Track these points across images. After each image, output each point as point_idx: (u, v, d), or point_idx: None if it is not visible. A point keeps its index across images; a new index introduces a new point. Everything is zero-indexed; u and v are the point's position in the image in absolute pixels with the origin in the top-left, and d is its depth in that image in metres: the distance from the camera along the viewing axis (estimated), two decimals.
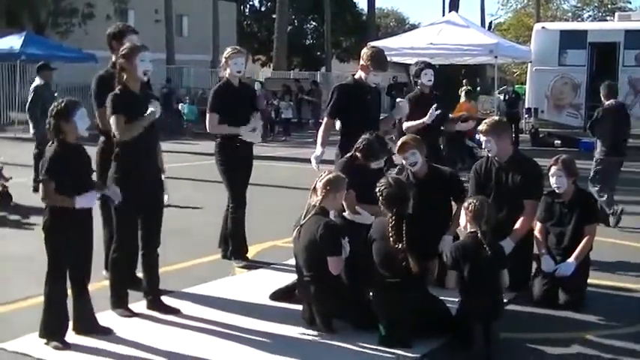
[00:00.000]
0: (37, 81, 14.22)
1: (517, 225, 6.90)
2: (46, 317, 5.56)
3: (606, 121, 10.67)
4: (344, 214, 6.54)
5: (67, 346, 5.47)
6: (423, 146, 7.12)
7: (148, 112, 6.05)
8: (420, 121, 8.57)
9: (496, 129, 7.11)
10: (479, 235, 5.78)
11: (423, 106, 8.62)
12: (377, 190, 5.93)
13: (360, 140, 6.81)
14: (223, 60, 7.91)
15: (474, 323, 5.54)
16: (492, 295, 5.72)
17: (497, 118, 7.24)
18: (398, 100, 8.28)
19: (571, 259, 6.71)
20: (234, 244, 8.03)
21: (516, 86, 30.58)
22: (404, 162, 7.12)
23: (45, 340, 5.51)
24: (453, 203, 7.12)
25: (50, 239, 5.54)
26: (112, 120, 6.09)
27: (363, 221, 6.45)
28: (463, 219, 5.94)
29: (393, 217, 5.77)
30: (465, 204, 5.97)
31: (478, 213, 5.83)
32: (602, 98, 11.05)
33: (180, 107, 28.54)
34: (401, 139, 7.24)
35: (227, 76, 7.91)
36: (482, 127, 7.15)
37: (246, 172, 8.10)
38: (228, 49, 8.00)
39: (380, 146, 6.83)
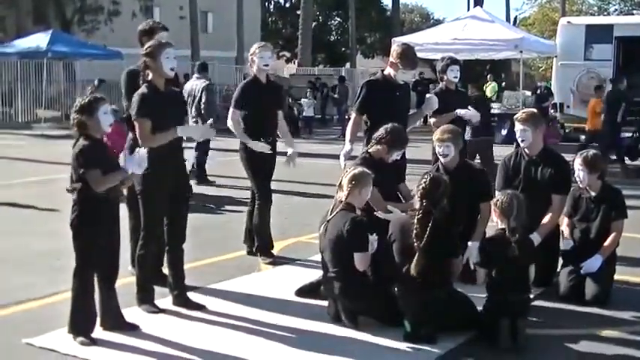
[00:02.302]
0: (203, 80, 14.14)
1: (545, 220, 6.88)
2: (73, 313, 5.61)
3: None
4: (375, 213, 6.52)
5: (93, 342, 5.50)
6: (460, 141, 7.16)
7: (183, 130, 6.14)
8: (453, 113, 8.56)
9: (534, 119, 7.08)
10: (507, 231, 5.77)
11: (447, 101, 8.59)
12: (418, 183, 5.92)
13: (380, 131, 6.84)
14: (250, 56, 7.94)
15: (501, 319, 5.53)
16: (520, 291, 5.71)
17: (534, 110, 7.22)
18: (428, 95, 8.25)
19: (597, 255, 6.67)
20: (260, 240, 8.05)
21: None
22: (437, 150, 7.14)
23: (72, 336, 5.55)
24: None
25: (78, 235, 5.57)
26: (137, 124, 6.13)
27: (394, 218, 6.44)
28: (493, 215, 5.93)
29: (421, 212, 5.76)
30: (494, 200, 5.95)
31: (506, 209, 5.81)
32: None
33: None
34: (441, 128, 7.26)
35: (254, 72, 7.93)
36: (520, 115, 7.11)
37: (271, 168, 8.11)
38: (255, 45, 8.04)
39: (404, 135, 6.91)
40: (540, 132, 7.15)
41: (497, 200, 5.91)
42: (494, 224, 6.08)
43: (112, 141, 11.88)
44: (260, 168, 7.95)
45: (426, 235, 5.64)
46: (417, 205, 5.83)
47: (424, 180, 5.87)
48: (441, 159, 7.14)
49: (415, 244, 5.66)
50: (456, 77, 8.92)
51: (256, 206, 8.04)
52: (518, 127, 7.10)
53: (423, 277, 5.64)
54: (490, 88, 31.08)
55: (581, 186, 6.90)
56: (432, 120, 8.61)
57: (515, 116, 7.21)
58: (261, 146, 7.77)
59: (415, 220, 5.73)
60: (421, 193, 5.82)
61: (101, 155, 5.53)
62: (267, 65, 7.86)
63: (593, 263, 6.65)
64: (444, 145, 7.06)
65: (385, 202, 6.63)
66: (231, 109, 7.98)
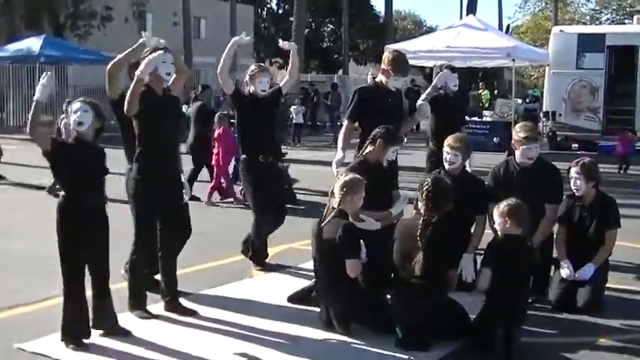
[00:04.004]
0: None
1: (538, 229, 6.89)
2: (63, 318, 5.59)
3: None
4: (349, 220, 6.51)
5: (85, 348, 5.49)
6: (468, 151, 7.22)
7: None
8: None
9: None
10: (525, 238, 5.77)
11: (443, 106, 8.68)
12: (423, 185, 5.92)
13: (374, 132, 6.86)
14: (248, 77, 7.87)
15: (496, 326, 5.53)
16: (520, 299, 5.71)
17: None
18: (419, 102, 8.27)
19: (590, 264, 6.68)
20: (254, 250, 8.03)
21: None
22: (445, 156, 7.19)
23: (64, 341, 5.54)
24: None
25: (59, 239, 5.56)
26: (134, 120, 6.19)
27: (368, 227, 6.41)
28: (499, 221, 5.86)
29: (425, 215, 5.77)
30: (501, 208, 5.86)
31: (520, 215, 5.77)
32: None
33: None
34: (454, 136, 7.33)
35: (252, 90, 7.88)
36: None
37: (273, 186, 8.01)
38: (253, 67, 7.99)
39: (396, 131, 6.94)
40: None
41: (509, 208, 5.81)
42: (491, 232, 6.08)
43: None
44: (258, 186, 7.83)
45: (429, 235, 5.66)
46: (422, 207, 5.83)
47: (427, 182, 5.88)
48: (447, 165, 7.18)
49: (418, 245, 5.67)
50: (455, 86, 8.99)
51: (254, 222, 7.97)
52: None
53: (423, 280, 5.64)
54: (483, 96, 31.17)
55: (576, 194, 6.90)
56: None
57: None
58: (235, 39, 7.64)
59: (420, 222, 5.73)
60: (426, 196, 5.83)
61: (67, 163, 5.52)
62: (264, 91, 7.82)
63: (586, 271, 6.66)
64: (452, 153, 7.12)
65: (359, 211, 6.59)
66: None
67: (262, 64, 8.20)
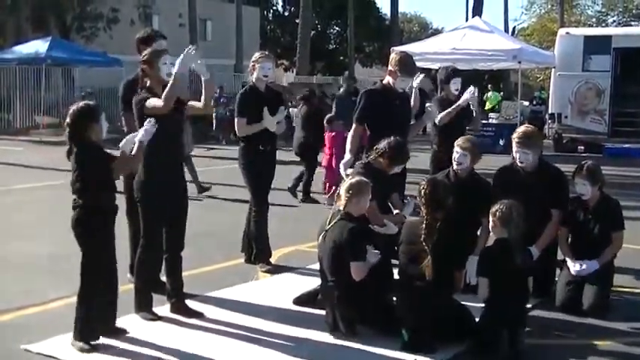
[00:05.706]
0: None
1: (544, 233, 6.90)
2: (79, 319, 5.59)
3: None
4: (369, 226, 6.51)
5: (90, 349, 5.49)
6: (476, 154, 7.20)
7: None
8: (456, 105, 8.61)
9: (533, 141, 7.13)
10: (509, 241, 5.77)
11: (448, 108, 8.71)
12: (419, 188, 5.94)
13: (382, 144, 6.84)
14: (251, 64, 8.00)
15: (500, 329, 5.53)
16: (519, 302, 5.71)
17: (531, 128, 7.33)
18: (427, 104, 8.28)
19: (594, 261, 6.68)
20: (257, 247, 8.08)
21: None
22: (454, 156, 7.21)
23: (71, 342, 5.54)
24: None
25: (84, 240, 5.57)
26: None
27: (388, 232, 6.43)
28: (491, 225, 5.91)
29: (427, 218, 5.77)
30: (493, 209, 5.94)
31: (507, 218, 5.80)
32: None
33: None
34: (463, 137, 7.35)
35: (253, 80, 7.97)
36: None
37: (269, 176, 8.12)
38: (257, 54, 8.10)
39: (406, 150, 6.92)
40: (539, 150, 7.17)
41: (496, 210, 5.90)
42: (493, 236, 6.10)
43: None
44: (258, 175, 7.97)
45: (435, 237, 5.67)
46: (424, 210, 5.84)
47: (423, 185, 5.90)
48: (455, 166, 7.18)
49: (425, 247, 5.67)
50: (457, 90, 8.99)
51: (252, 214, 8.07)
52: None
53: (432, 283, 5.65)
54: (493, 98, 31.12)
55: (583, 198, 6.89)
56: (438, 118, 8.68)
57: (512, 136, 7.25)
58: (274, 125, 7.81)
59: (423, 225, 5.74)
60: (425, 198, 5.84)
61: (96, 164, 5.55)
62: (266, 76, 7.90)
63: (590, 266, 6.66)
64: (461, 153, 7.11)
65: (382, 216, 6.62)
66: (236, 119, 8.00)
67: (266, 52, 8.25)
